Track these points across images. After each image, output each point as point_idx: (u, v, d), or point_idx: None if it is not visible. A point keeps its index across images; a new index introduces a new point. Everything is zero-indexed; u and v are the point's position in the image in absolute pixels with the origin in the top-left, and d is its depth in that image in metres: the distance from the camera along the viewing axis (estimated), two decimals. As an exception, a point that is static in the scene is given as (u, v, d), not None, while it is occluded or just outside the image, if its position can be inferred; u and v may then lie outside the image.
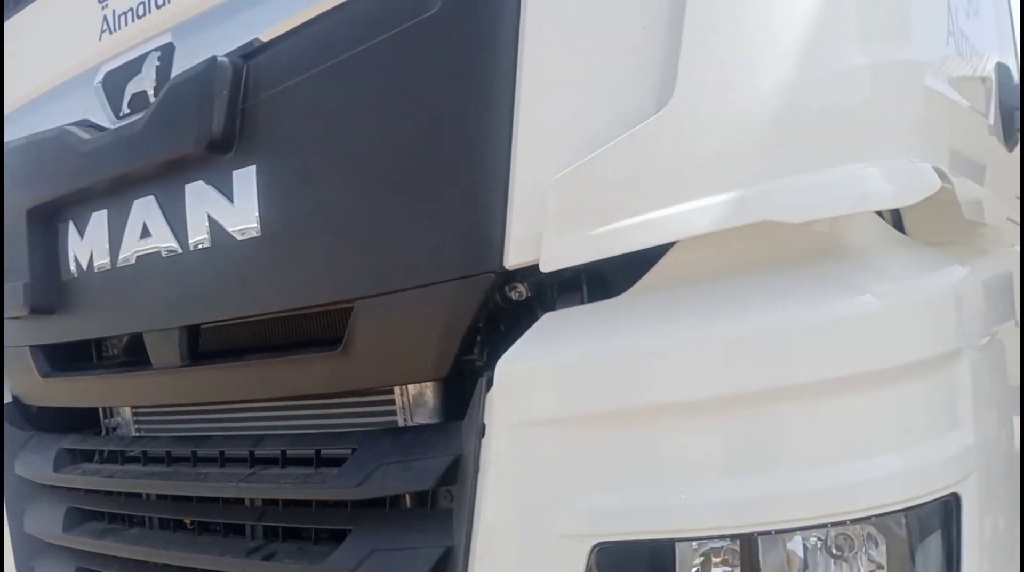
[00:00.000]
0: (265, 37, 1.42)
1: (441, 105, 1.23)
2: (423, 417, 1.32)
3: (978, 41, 1.88)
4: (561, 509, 1.10)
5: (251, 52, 1.42)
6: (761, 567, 1.06)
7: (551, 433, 1.12)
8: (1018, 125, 2.16)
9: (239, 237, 1.39)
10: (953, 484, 1.07)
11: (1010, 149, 2.23)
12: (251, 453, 1.41)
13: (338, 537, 1.28)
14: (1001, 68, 2.15)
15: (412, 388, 1.33)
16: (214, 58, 1.38)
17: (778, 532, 1.05)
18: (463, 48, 1.22)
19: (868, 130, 1.12)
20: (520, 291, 1.24)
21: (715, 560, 1.08)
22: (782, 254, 1.14)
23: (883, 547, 1.05)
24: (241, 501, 1.48)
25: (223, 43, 1.43)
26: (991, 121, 1.92)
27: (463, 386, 1.25)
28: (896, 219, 1.34)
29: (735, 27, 1.11)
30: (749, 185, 1.07)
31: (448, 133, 1.22)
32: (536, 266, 1.15)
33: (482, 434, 1.15)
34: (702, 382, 1.07)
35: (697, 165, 1.10)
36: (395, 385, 1.33)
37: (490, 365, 1.17)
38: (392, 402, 1.35)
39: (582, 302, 1.22)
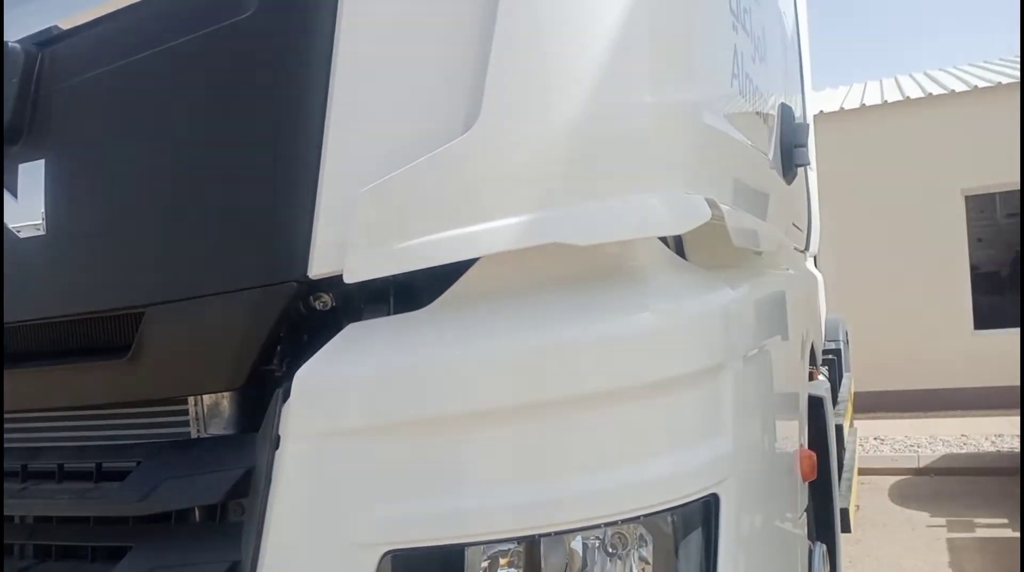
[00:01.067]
0: (65, 24, 1.34)
1: (250, 109, 1.21)
2: (217, 428, 1.29)
3: (763, 83, 2.09)
4: (353, 519, 1.11)
5: (48, 39, 1.33)
6: (543, 567, 1.13)
7: (346, 444, 1.13)
8: (796, 160, 2.43)
9: (21, 235, 1.29)
10: (712, 485, 1.19)
11: (789, 182, 2.50)
12: (23, 467, 1.31)
13: (119, 555, 1.21)
14: (784, 108, 2.40)
15: (207, 398, 1.29)
16: (3, 42, 1.28)
17: (558, 533, 1.12)
18: (276, 53, 1.21)
19: (652, 162, 1.23)
20: (324, 301, 1.24)
21: (502, 562, 1.14)
22: (574, 273, 1.22)
23: (651, 545, 1.15)
24: (11, 519, 1.37)
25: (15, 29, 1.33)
26: (771, 156, 2.15)
27: (261, 397, 1.23)
28: (679, 245, 1.47)
29: (538, 57, 1.18)
30: (544, 208, 1.14)
31: (256, 138, 1.21)
32: (341, 277, 1.16)
33: (276, 446, 1.14)
34: (492, 393, 1.12)
35: (498, 186, 1.15)
36: (187, 396, 1.28)
37: (289, 375, 1.17)
38: (185, 413, 1.30)
39: (388, 313, 1.25)
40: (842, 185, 8.79)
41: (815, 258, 4.15)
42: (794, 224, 2.84)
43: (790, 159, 2.38)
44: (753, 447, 1.42)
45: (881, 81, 12.56)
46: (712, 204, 1.29)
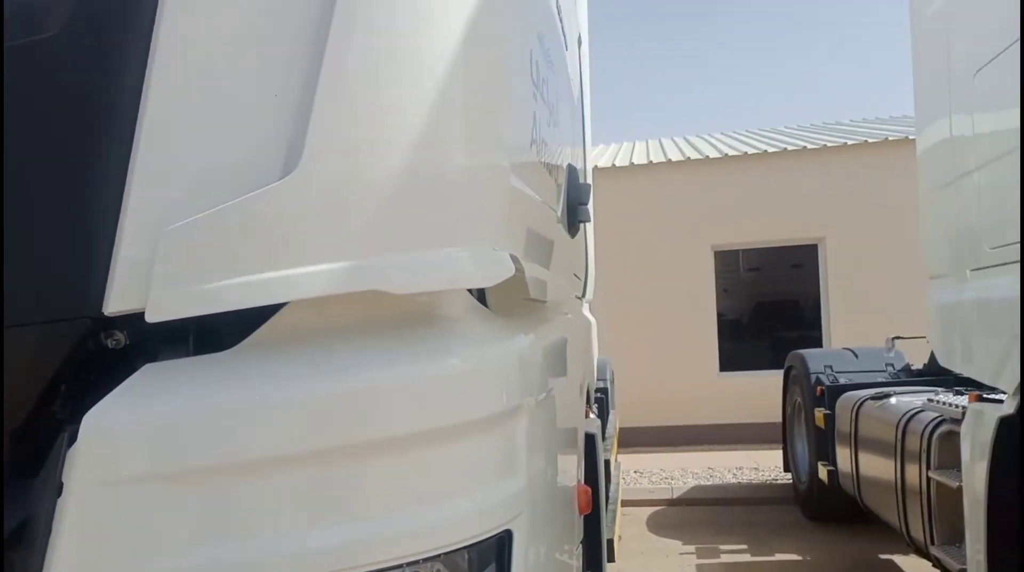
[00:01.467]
0: None
1: (51, 132, 1.14)
2: (-15, 475, 1.16)
3: (555, 146, 2.28)
4: (140, 569, 1.06)
5: None
6: (342, 608, 1.14)
7: (137, 491, 1.08)
8: (579, 217, 2.65)
9: None
10: (507, 522, 1.29)
11: (572, 236, 2.72)
12: None
13: None
14: (571, 169, 2.63)
15: (-26, 442, 1.17)
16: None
17: (358, 576, 1.14)
18: (81, 76, 1.14)
19: (464, 219, 1.32)
20: (118, 339, 1.18)
21: (296, 607, 1.14)
22: (382, 319, 1.27)
23: (449, 581, 1.21)
24: None
25: None
26: (559, 213, 2.34)
27: (42, 440, 1.14)
28: (481, 293, 1.57)
29: (362, 110, 1.22)
30: (359, 256, 1.19)
31: (55, 165, 1.13)
32: (139, 314, 1.11)
33: (59, 493, 1.06)
34: (292, 438, 1.13)
35: (313, 232, 1.17)
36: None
37: (76, 418, 1.09)
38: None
39: (187, 354, 1.21)
40: (613, 236, 9.58)
41: (589, 304, 4.50)
42: (575, 274, 3.08)
43: (575, 215, 2.60)
44: (541, 484, 1.54)
45: (647, 142, 13.93)
46: (515, 259, 1.41)
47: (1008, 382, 2.64)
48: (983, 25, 2.80)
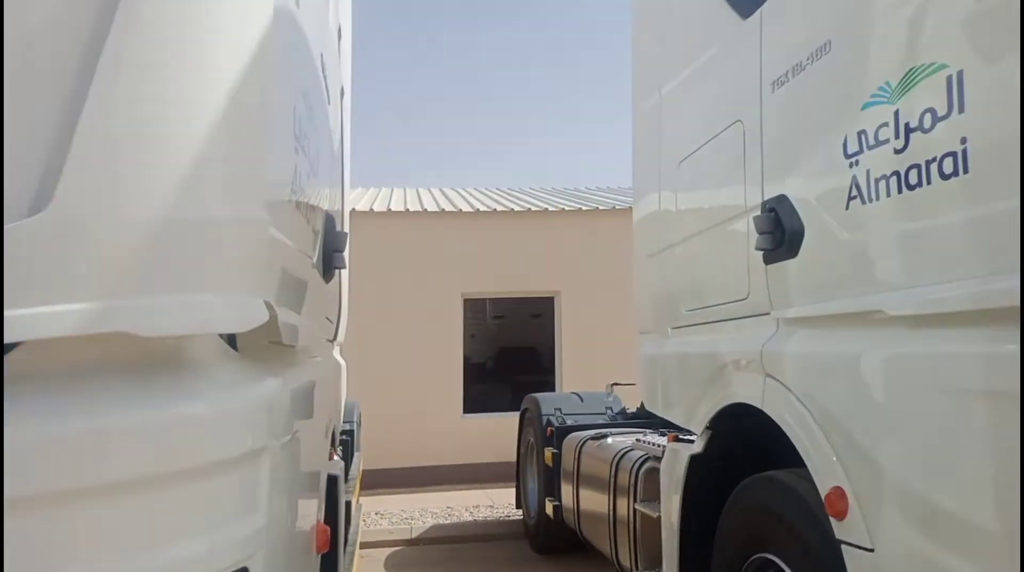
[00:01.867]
0: None
1: None
2: None
3: (315, 196, 2.37)
4: None
5: None
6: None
7: None
8: (334, 263, 2.74)
9: None
10: (244, 559, 1.34)
11: (327, 281, 2.80)
12: None
13: None
14: (328, 217, 2.72)
15: None
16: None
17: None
18: None
19: (219, 265, 1.37)
20: None
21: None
22: (132, 360, 1.28)
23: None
24: None
25: None
26: (315, 260, 2.42)
27: None
28: (232, 336, 1.61)
29: (122, 153, 1.24)
30: (110, 297, 1.20)
31: None
32: None
33: None
34: (26, 479, 1.11)
35: (60, 272, 1.16)
36: None
37: None
38: None
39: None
40: (369, 279, 9.66)
41: (341, 346, 4.55)
42: (327, 317, 3.14)
43: (330, 262, 2.70)
44: (281, 523, 1.60)
45: (405, 190, 14.28)
46: (269, 306, 1.48)
47: (698, 425, 3.12)
48: (686, 124, 3.36)
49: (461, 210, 11.45)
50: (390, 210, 11.30)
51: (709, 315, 3.00)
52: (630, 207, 11.00)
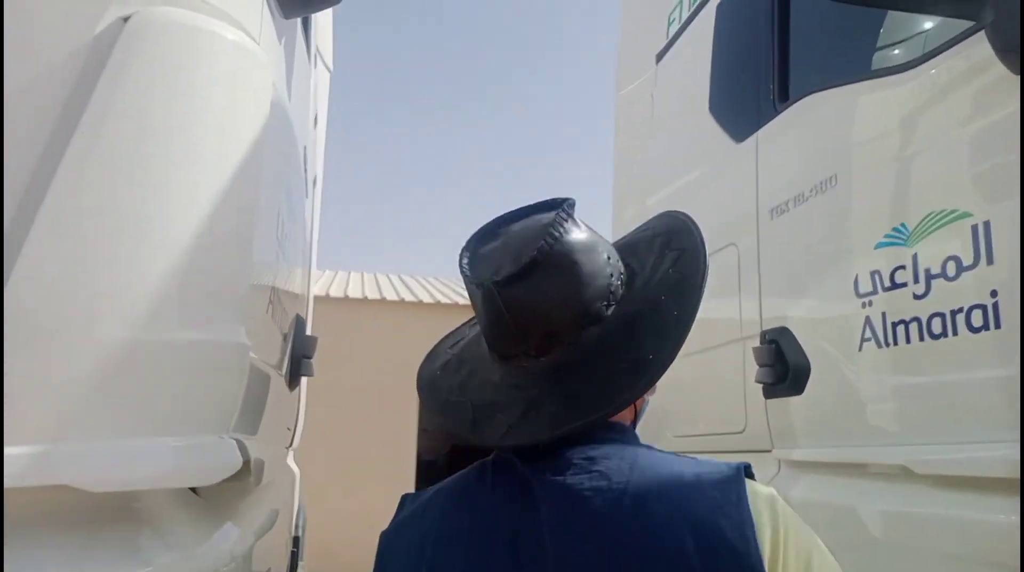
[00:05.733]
0: None
1: None
2: None
3: (288, 303, 2.19)
4: None
5: None
6: None
7: None
8: (302, 371, 2.53)
9: None
10: None
11: (292, 390, 2.58)
12: None
13: None
14: (298, 321, 2.52)
15: None
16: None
17: None
18: None
19: (188, 403, 1.17)
20: None
21: None
22: (75, 516, 1.07)
23: None
24: None
25: None
26: (283, 371, 2.21)
27: None
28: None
29: (82, 263, 1.07)
30: (47, 443, 0.99)
31: None
32: None
33: None
34: None
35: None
36: None
37: None
38: None
39: None
40: (320, 367, 9.32)
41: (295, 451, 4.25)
42: (287, 426, 2.90)
43: (297, 370, 2.48)
44: None
45: (363, 274, 14.06)
46: (242, 448, 1.28)
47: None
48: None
49: (421, 301, 11.27)
50: (347, 297, 11.06)
51: (700, 444, 2.84)
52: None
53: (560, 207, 1.03)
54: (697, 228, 1.15)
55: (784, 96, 2.53)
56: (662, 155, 3.56)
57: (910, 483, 1.81)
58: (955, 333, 1.72)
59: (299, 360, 2.48)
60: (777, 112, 2.53)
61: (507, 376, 1.05)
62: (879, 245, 1.97)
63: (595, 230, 1.10)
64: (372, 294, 11.38)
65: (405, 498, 1.12)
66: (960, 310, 1.71)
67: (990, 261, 1.64)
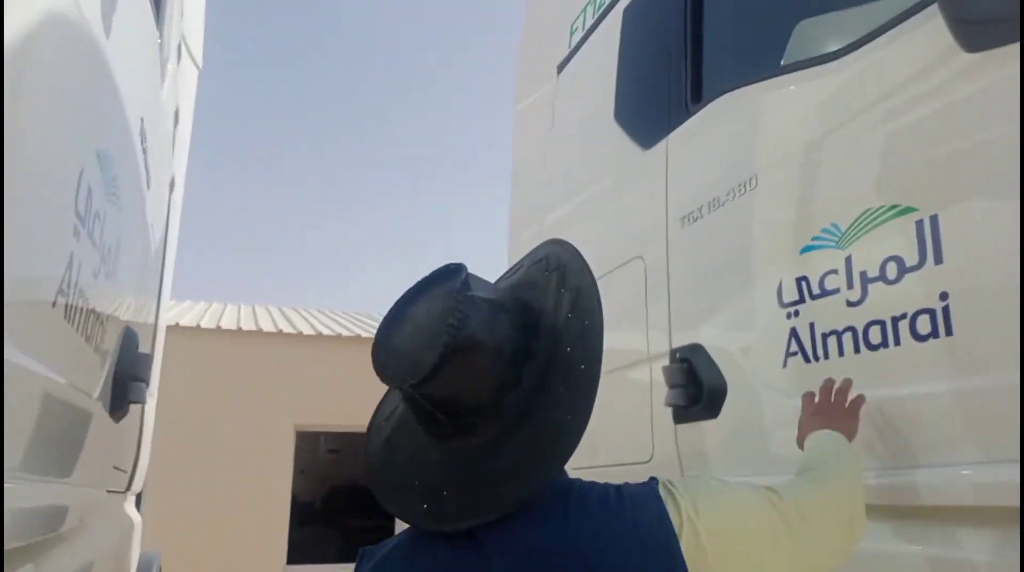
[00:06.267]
0: None
1: None
2: None
3: (105, 302, 1.75)
4: None
5: None
6: None
7: None
8: (130, 396, 2.08)
9: None
10: None
11: (117, 420, 2.11)
12: None
13: None
14: (128, 335, 2.07)
15: None
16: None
17: None
18: None
19: None
20: None
21: None
22: None
23: None
24: None
25: None
26: (97, 393, 1.76)
27: None
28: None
29: None
30: None
31: None
32: None
33: None
34: None
35: None
36: None
37: None
38: None
39: None
40: (182, 406, 8.54)
41: (137, 496, 3.66)
42: (116, 466, 2.40)
43: (124, 394, 2.03)
44: None
45: (240, 306, 13.19)
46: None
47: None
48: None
49: (301, 332, 10.63)
50: (219, 327, 10.28)
51: (603, 476, 2.53)
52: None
53: (454, 287, 1.04)
54: (585, 262, 1.17)
55: (697, 97, 2.33)
56: (563, 169, 3.32)
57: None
58: (897, 343, 1.51)
59: (126, 383, 2.03)
60: (690, 114, 2.32)
61: (445, 456, 1.08)
62: (806, 249, 1.76)
63: (491, 288, 1.14)
64: (248, 325, 10.63)
65: (364, 552, 1.14)
66: (903, 317, 1.50)
67: (938, 260, 1.44)
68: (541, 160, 3.58)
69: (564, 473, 1.12)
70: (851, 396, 1.54)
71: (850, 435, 1.46)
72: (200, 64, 4.06)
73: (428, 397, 1.03)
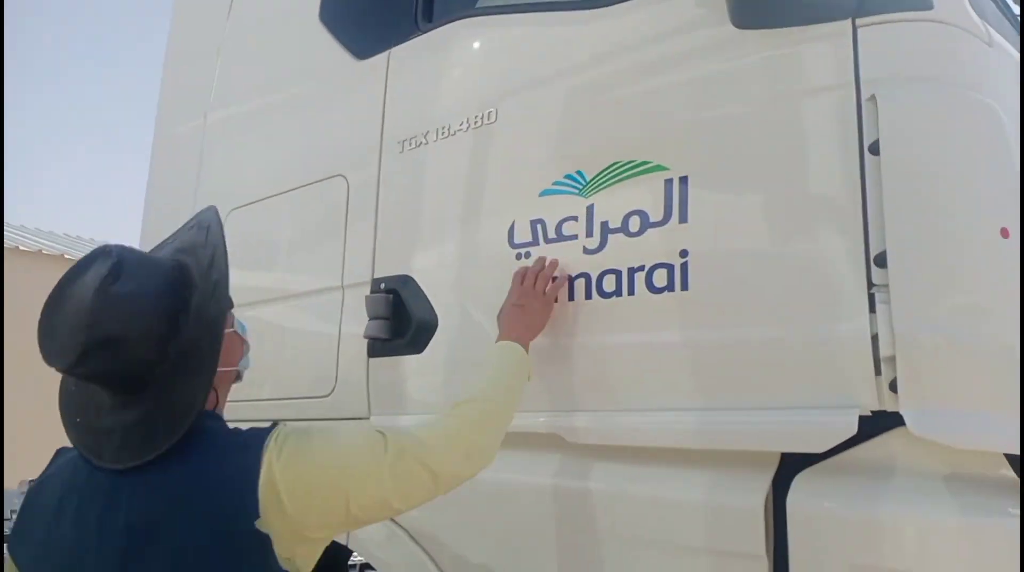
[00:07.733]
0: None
1: None
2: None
3: None
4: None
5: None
6: None
7: None
8: None
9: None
10: None
11: None
12: None
13: None
14: None
15: None
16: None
17: None
18: None
19: None
20: None
21: None
22: None
23: None
24: None
25: None
26: None
27: None
28: None
29: None
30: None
31: None
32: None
33: None
34: None
35: None
36: None
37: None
38: None
39: None
40: None
41: None
42: None
43: None
44: None
45: None
46: None
47: None
48: (248, 165, 2.68)
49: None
50: None
51: (288, 412, 2.22)
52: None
53: (99, 278, 1.16)
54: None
55: (429, 15, 2.17)
56: (242, 65, 2.87)
57: (562, 452, 1.61)
58: (632, 293, 1.56)
59: None
60: (420, 31, 2.15)
61: (109, 405, 1.23)
62: (546, 192, 1.74)
63: (146, 264, 1.25)
64: None
65: (60, 451, 1.35)
66: (640, 268, 1.56)
67: (683, 219, 1.52)
68: (212, 50, 3.06)
69: (217, 419, 1.27)
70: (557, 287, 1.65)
71: (537, 327, 1.61)
72: None
73: (78, 375, 1.22)
